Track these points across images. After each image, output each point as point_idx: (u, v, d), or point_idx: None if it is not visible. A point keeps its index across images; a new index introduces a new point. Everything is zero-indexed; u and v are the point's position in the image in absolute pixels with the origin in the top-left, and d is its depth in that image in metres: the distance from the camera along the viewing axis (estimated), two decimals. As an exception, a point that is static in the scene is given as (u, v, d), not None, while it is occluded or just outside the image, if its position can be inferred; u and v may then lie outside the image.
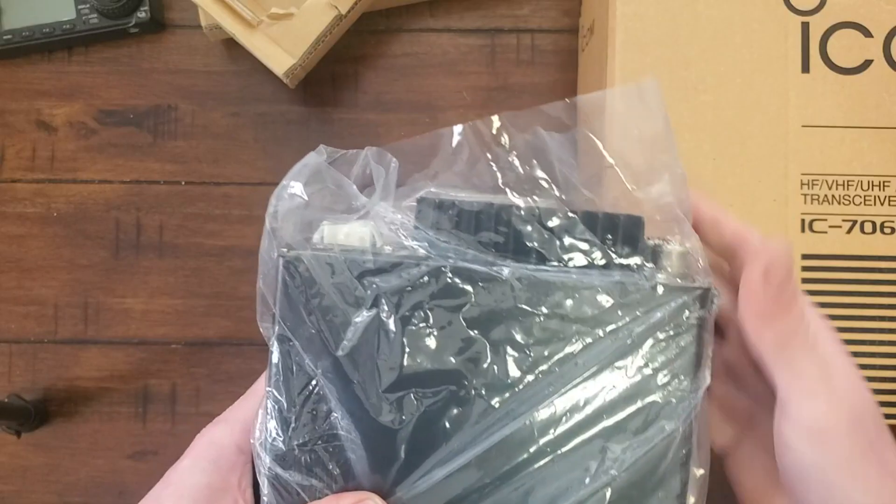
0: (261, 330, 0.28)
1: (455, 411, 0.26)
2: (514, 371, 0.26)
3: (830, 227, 0.41)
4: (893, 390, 0.41)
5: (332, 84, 0.54)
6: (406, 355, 0.26)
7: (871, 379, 0.41)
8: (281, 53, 0.48)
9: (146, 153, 0.54)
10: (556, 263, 0.27)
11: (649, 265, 0.27)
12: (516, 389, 0.26)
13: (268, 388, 0.27)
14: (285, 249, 0.27)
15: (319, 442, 0.27)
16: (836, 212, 0.41)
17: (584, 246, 0.27)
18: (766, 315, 0.26)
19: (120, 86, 0.54)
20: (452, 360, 0.26)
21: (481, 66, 0.54)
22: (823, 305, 0.41)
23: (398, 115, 0.53)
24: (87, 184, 0.54)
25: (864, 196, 0.41)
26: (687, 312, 0.27)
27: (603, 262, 0.27)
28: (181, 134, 0.54)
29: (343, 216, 0.28)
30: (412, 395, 0.26)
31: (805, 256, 0.41)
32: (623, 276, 0.27)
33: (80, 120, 0.54)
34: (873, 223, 0.41)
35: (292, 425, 0.27)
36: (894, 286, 0.41)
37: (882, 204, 0.41)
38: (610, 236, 0.27)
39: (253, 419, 0.29)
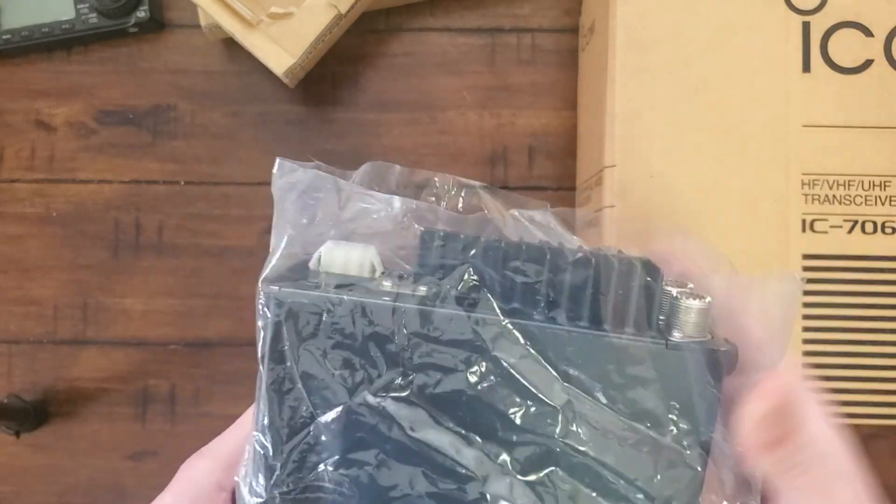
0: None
1: (458, 495, 0.24)
2: (518, 467, 0.24)
3: (831, 226, 0.41)
4: (894, 391, 0.41)
5: (332, 83, 0.54)
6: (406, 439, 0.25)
7: (871, 379, 0.41)
8: (280, 53, 0.47)
9: (145, 153, 0.53)
10: (563, 320, 0.24)
11: (662, 321, 0.25)
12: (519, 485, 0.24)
13: (255, 433, 0.26)
14: (273, 286, 0.25)
15: (303, 493, 0.26)
16: (837, 212, 0.41)
17: (595, 297, 0.24)
18: (767, 446, 0.24)
19: (119, 85, 0.54)
20: (462, 450, 0.25)
21: (481, 66, 0.54)
22: (824, 305, 0.41)
23: (398, 114, 0.53)
24: (87, 184, 0.53)
25: (865, 196, 0.41)
26: (703, 377, 0.24)
27: (615, 318, 0.24)
28: (180, 134, 0.53)
29: (343, 241, 0.26)
30: (418, 474, 0.25)
31: (806, 256, 0.41)
32: (635, 339, 0.24)
33: (80, 120, 0.54)
34: (874, 223, 0.41)
35: (276, 473, 0.26)
36: (895, 286, 0.41)
37: (883, 204, 0.41)
38: (623, 286, 0.24)
39: (238, 454, 0.28)
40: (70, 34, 0.52)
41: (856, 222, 0.41)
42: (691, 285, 0.26)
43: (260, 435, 0.26)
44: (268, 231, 0.57)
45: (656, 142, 0.41)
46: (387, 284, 0.25)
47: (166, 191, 0.53)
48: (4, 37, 0.52)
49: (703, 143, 0.41)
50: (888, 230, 0.41)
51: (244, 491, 0.26)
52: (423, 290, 0.25)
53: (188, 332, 0.53)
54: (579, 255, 0.24)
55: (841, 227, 0.41)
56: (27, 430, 0.52)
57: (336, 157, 0.53)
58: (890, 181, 0.41)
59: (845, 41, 0.41)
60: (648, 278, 0.24)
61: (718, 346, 0.24)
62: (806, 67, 0.41)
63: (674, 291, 0.25)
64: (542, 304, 0.24)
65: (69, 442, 0.52)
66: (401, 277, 0.26)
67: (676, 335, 0.24)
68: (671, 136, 0.41)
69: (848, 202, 0.41)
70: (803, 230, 0.41)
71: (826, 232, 0.41)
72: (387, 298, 0.24)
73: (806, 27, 0.42)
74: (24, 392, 0.52)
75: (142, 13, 0.52)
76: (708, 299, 0.24)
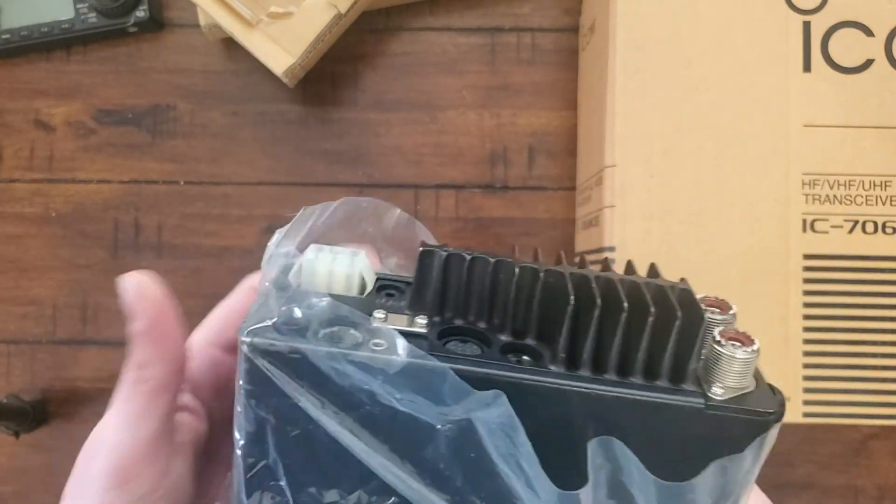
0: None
1: None
2: None
3: (832, 226, 0.41)
4: (894, 391, 0.41)
5: (332, 83, 0.54)
6: None
7: (871, 379, 0.41)
8: (280, 52, 0.47)
9: (145, 153, 0.53)
10: (587, 371, 0.21)
11: (699, 371, 0.21)
12: None
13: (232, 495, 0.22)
14: (246, 337, 0.20)
15: None
16: (838, 211, 0.41)
17: (624, 343, 0.20)
18: None
19: (118, 85, 0.54)
20: None
21: (481, 65, 0.53)
22: (824, 306, 0.41)
23: (398, 114, 0.53)
24: (86, 184, 0.53)
25: (866, 196, 0.41)
26: (743, 446, 0.20)
27: (645, 369, 0.21)
28: (180, 133, 0.53)
29: (329, 246, 0.23)
30: None
31: (806, 256, 0.41)
32: (669, 398, 0.20)
33: (79, 119, 0.54)
34: (875, 223, 0.41)
35: None
36: (895, 286, 0.41)
37: (884, 204, 0.41)
38: (659, 332, 0.20)
39: (228, 319, 0.27)
40: (69, 34, 0.52)
41: (856, 222, 0.41)
42: (733, 310, 0.22)
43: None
44: (267, 231, 0.57)
45: (656, 142, 0.41)
46: (379, 317, 0.21)
47: (165, 191, 0.53)
48: (4, 36, 0.52)
49: (703, 143, 0.41)
50: (889, 230, 0.41)
51: None
52: (421, 322, 0.21)
53: (187, 333, 0.53)
54: (609, 286, 0.21)
55: (841, 227, 0.41)
56: (26, 431, 0.51)
57: (336, 156, 0.53)
58: (891, 181, 0.41)
59: (846, 41, 0.41)
60: (688, 325, 0.20)
61: (764, 404, 0.20)
62: (806, 67, 0.41)
63: (716, 333, 0.21)
64: (561, 348, 0.21)
65: (69, 442, 0.52)
66: (395, 301, 0.22)
67: (717, 390, 0.20)
68: (671, 136, 0.41)
69: (848, 202, 0.41)
70: (804, 230, 0.41)
71: (826, 232, 0.41)
72: (378, 347, 0.20)
73: (806, 27, 0.41)
74: (23, 392, 0.52)
75: (141, 13, 0.52)
76: (756, 346, 0.20)
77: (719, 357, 0.20)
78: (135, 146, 0.53)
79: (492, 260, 0.21)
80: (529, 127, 0.53)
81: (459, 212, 0.53)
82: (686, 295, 0.21)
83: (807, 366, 0.41)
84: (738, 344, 0.20)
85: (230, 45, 0.53)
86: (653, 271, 0.23)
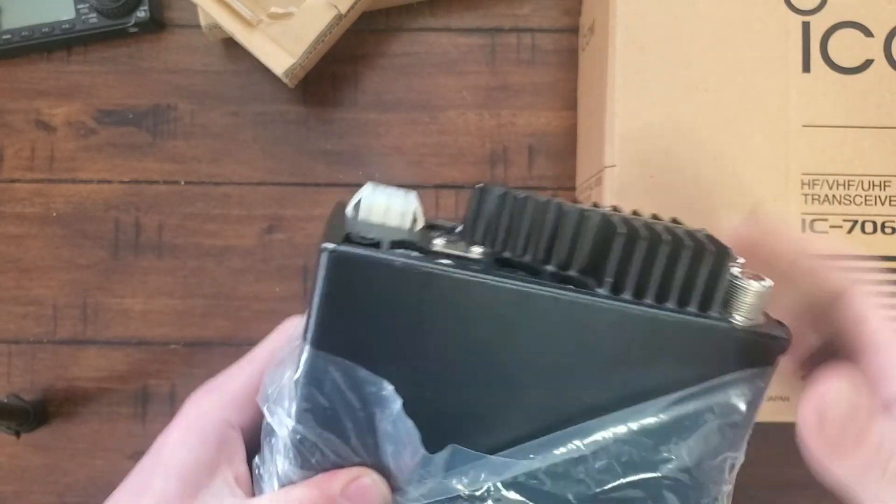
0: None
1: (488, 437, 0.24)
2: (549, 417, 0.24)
3: (831, 227, 0.41)
4: (894, 390, 0.41)
5: (332, 83, 0.54)
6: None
7: (871, 379, 0.41)
8: (280, 53, 0.47)
9: (145, 153, 0.53)
10: (629, 297, 0.23)
11: (719, 301, 0.24)
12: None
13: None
14: (330, 244, 0.22)
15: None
16: (837, 212, 0.41)
17: (664, 275, 0.23)
18: (832, 453, 0.23)
19: (119, 85, 0.54)
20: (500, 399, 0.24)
21: (481, 66, 0.54)
22: (824, 305, 0.41)
23: (398, 114, 0.53)
24: (86, 184, 0.53)
25: (865, 196, 0.41)
26: (755, 361, 0.24)
27: (680, 297, 0.23)
28: (180, 133, 0.53)
29: (382, 185, 0.25)
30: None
31: (806, 256, 0.41)
32: (699, 320, 0.23)
33: (80, 119, 0.54)
34: (874, 223, 0.41)
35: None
36: (895, 286, 0.41)
37: (883, 204, 0.41)
38: (693, 265, 0.23)
39: (247, 391, 0.28)
40: (70, 34, 0.52)
41: (855, 222, 0.41)
42: (741, 260, 0.25)
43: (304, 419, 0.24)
44: (267, 231, 0.57)
45: (656, 142, 0.41)
46: (439, 243, 0.23)
47: (166, 191, 0.53)
48: (4, 37, 0.52)
49: (703, 143, 0.41)
50: (888, 230, 0.41)
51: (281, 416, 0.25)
52: (477, 250, 0.23)
53: (188, 332, 0.53)
54: (651, 229, 0.23)
55: (841, 227, 0.41)
56: (27, 430, 0.51)
57: (336, 156, 0.53)
58: (890, 181, 0.41)
59: (845, 41, 0.41)
60: (718, 258, 0.23)
61: (775, 331, 0.23)
62: (806, 67, 0.41)
63: (735, 270, 0.24)
64: (608, 274, 0.23)
65: (69, 442, 0.52)
66: (448, 234, 0.24)
67: (737, 317, 0.23)
68: (671, 136, 0.41)
69: (848, 202, 0.41)
70: (803, 230, 0.41)
71: (826, 232, 0.41)
72: (447, 262, 0.22)
73: (806, 27, 0.42)
74: (23, 392, 0.52)
75: (142, 13, 0.52)
76: (768, 282, 0.24)
77: (737, 289, 0.23)
78: (135, 146, 0.53)
79: (542, 200, 0.24)
80: (529, 127, 0.53)
81: (459, 212, 0.53)
82: (711, 236, 0.24)
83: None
84: (754, 278, 0.23)
85: (230, 45, 0.53)
86: (676, 221, 0.25)
